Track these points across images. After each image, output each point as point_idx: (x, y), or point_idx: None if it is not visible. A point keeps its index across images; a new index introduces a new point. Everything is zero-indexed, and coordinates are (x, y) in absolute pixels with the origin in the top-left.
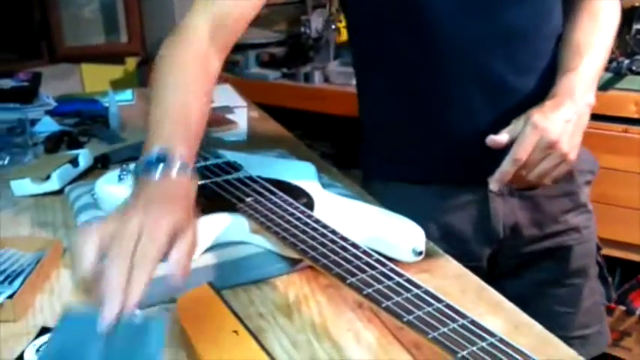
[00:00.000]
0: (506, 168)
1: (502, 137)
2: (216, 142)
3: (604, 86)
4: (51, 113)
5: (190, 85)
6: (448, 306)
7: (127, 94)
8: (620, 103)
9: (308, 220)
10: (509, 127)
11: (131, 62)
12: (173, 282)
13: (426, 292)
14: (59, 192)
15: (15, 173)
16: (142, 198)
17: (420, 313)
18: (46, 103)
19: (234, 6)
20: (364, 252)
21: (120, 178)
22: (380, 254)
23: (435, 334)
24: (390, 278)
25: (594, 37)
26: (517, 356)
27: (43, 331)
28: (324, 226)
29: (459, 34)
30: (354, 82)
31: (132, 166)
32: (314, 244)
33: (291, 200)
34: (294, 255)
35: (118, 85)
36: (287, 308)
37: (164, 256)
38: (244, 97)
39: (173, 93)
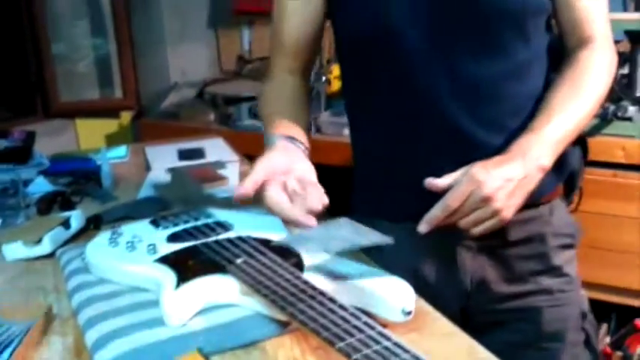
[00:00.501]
0: (435, 212)
1: (440, 181)
2: (208, 199)
3: (591, 132)
4: (44, 173)
5: (289, 104)
6: None
7: (121, 151)
8: (607, 149)
9: (297, 282)
10: (453, 173)
11: (126, 116)
12: None
13: (415, 357)
14: (51, 255)
15: (7, 236)
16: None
17: None
18: (39, 163)
19: (298, 37)
20: (352, 314)
21: (110, 242)
22: (369, 314)
23: None
24: (378, 342)
25: (570, 103)
26: None
27: None
28: (313, 288)
29: (429, 87)
30: (345, 132)
31: (123, 227)
32: (302, 306)
33: (280, 261)
34: (284, 317)
35: (113, 139)
36: None
37: None
38: (237, 150)
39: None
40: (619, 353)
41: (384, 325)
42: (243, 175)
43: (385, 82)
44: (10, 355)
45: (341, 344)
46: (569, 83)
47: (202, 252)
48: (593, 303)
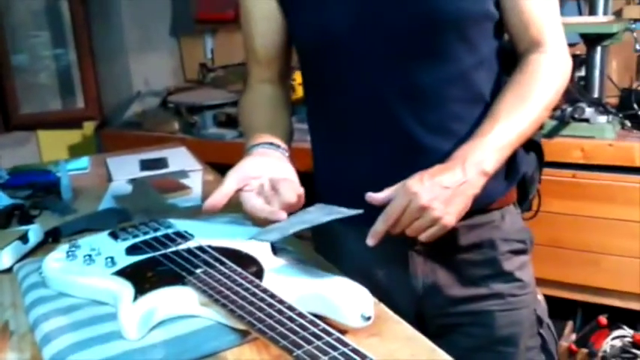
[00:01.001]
0: (378, 226)
1: (378, 196)
2: (171, 209)
3: (549, 134)
4: (2, 186)
5: (267, 113)
6: None
7: (83, 162)
8: (566, 150)
9: (256, 291)
10: (392, 187)
11: (89, 127)
12: None
13: None
14: (9, 270)
15: None
16: None
17: None
18: None
19: (268, 47)
20: (311, 322)
21: (68, 255)
22: (329, 320)
23: None
24: (335, 349)
25: (515, 109)
26: None
27: None
28: (272, 296)
29: (377, 93)
30: (309, 138)
31: (81, 240)
32: (261, 315)
33: (240, 270)
34: (244, 327)
35: (76, 150)
36: None
37: None
38: (201, 159)
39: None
40: (584, 350)
41: (345, 332)
42: (206, 184)
43: (335, 89)
44: None
45: (298, 352)
46: (516, 88)
47: (161, 263)
48: (558, 301)
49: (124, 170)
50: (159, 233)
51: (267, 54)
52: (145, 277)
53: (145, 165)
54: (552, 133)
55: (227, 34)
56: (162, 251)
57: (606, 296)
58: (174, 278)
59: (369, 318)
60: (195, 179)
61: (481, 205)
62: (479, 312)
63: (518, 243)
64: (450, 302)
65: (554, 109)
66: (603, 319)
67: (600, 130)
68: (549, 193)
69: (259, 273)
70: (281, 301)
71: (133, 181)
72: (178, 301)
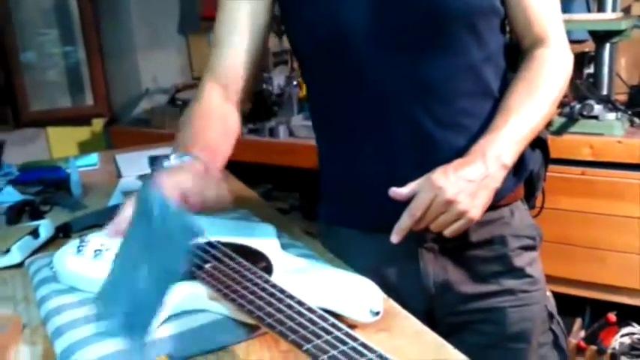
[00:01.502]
0: (403, 222)
1: (402, 190)
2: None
3: (558, 131)
4: (13, 182)
5: (209, 129)
6: None
7: (92, 158)
8: (575, 147)
9: (265, 286)
10: (415, 181)
11: (98, 123)
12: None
13: (380, 357)
14: (20, 265)
15: None
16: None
17: None
18: (8, 172)
19: (234, 63)
20: (320, 316)
21: (78, 250)
22: (338, 316)
23: None
24: (345, 343)
25: (526, 103)
26: None
27: None
28: (281, 291)
29: (387, 88)
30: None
31: (90, 236)
32: (270, 310)
33: (249, 265)
34: (253, 321)
35: (85, 147)
36: None
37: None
38: None
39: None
40: (593, 347)
41: (354, 327)
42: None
43: (343, 86)
44: None
45: (308, 346)
46: (525, 83)
47: None
48: (567, 298)
49: (133, 166)
50: None
51: (234, 63)
52: None
53: (154, 161)
54: (561, 130)
55: None
56: None
57: (615, 293)
58: (184, 273)
59: (377, 313)
60: None
61: (492, 201)
62: (490, 309)
63: (527, 239)
64: (461, 299)
65: (563, 105)
66: (612, 316)
67: (609, 127)
68: (558, 191)
69: (268, 268)
70: (290, 296)
71: (142, 177)
72: (188, 296)
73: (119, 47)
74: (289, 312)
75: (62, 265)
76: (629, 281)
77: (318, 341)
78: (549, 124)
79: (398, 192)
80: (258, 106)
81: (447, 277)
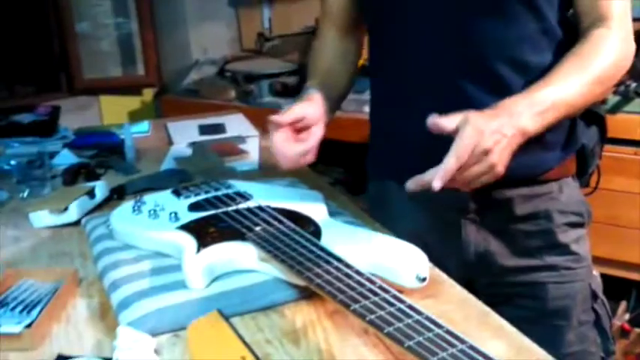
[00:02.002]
0: (449, 166)
1: (447, 124)
2: (229, 172)
3: (612, 109)
4: (69, 146)
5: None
6: (448, 332)
7: (144, 126)
8: (629, 126)
9: (314, 249)
10: (454, 118)
11: (148, 93)
12: None
13: (427, 318)
14: (77, 223)
15: (34, 205)
16: None
17: (420, 338)
18: (64, 136)
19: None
20: (368, 279)
21: (134, 210)
22: (385, 281)
23: (435, 359)
24: (392, 305)
25: (570, 77)
26: None
27: (60, 359)
28: (330, 254)
29: (438, 49)
30: (365, 109)
31: (145, 197)
32: (319, 271)
33: (298, 229)
34: (301, 282)
35: (135, 116)
36: (294, 334)
37: None
38: (257, 126)
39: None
40: (637, 330)
41: (401, 292)
42: (263, 150)
43: (396, 47)
44: (39, 313)
45: (355, 306)
46: (575, 58)
47: (222, 220)
48: (614, 280)
49: (184, 134)
50: (219, 192)
51: (336, 4)
52: (207, 231)
53: (204, 130)
54: (615, 109)
55: (284, 3)
56: (223, 209)
57: None
58: (235, 234)
59: (424, 279)
60: (252, 144)
61: (537, 173)
62: (531, 283)
63: (575, 215)
64: (501, 272)
65: (618, 84)
66: None
67: None
68: (609, 170)
69: (317, 233)
70: (339, 259)
71: (192, 144)
72: (239, 256)
73: (170, 19)
74: (337, 274)
75: (119, 223)
76: None
77: (366, 302)
78: (603, 101)
79: (441, 124)
80: (305, 79)
81: (489, 249)
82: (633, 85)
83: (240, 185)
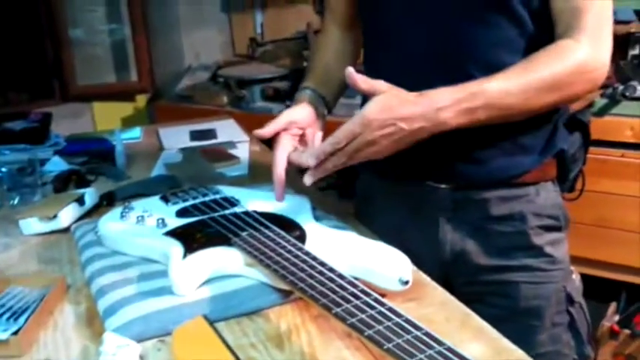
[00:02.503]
0: (325, 148)
1: (361, 83)
2: (218, 177)
3: (599, 112)
4: (60, 153)
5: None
6: (427, 334)
7: (135, 132)
8: (616, 129)
9: (299, 253)
10: (366, 81)
11: (141, 99)
12: None
13: (407, 321)
14: (66, 230)
15: (24, 213)
16: None
17: (399, 341)
18: (55, 143)
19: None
20: (350, 282)
21: (121, 216)
22: (369, 284)
23: None
24: (373, 308)
25: (513, 78)
26: None
27: None
28: (314, 258)
29: (407, 49)
30: (356, 112)
31: (134, 203)
32: (303, 275)
33: (283, 234)
34: (286, 287)
35: (128, 122)
36: (278, 338)
37: None
38: (249, 131)
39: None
40: (627, 331)
41: (383, 295)
42: (253, 154)
43: (384, 45)
44: (27, 320)
45: (337, 309)
46: (524, 62)
47: (209, 225)
48: (603, 281)
49: (175, 140)
50: (207, 198)
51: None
52: (193, 237)
53: (195, 135)
54: (602, 112)
55: (277, 9)
56: (210, 215)
57: None
58: (222, 239)
59: (407, 282)
60: (243, 149)
61: (513, 176)
62: (504, 282)
63: (550, 219)
64: (476, 271)
65: (605, 87)
66: None
67: None
68: (597, 172)
69: (302, 237)
70: (322, 263)
71: (183, 150)
72: (225, 261)
73: (163, 25)
74: (321, 278)
75: (107, 229)
76: None
77: (348, 305)
78: (590, 104)
79: (353, 78)
80: (297, 83)
81: (464, 247)
82: (620, 87)
83: (227, 191)
